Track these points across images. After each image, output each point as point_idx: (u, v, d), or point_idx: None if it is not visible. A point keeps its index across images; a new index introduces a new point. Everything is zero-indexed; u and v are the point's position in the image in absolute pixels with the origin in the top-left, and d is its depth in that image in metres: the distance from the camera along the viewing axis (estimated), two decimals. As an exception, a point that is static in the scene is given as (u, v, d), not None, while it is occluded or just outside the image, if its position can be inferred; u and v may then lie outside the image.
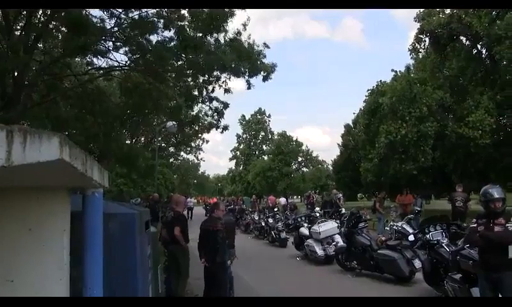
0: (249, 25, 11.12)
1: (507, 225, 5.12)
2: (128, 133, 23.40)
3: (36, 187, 2.80)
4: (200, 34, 11.95)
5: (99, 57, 13.13)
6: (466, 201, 15.09)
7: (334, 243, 12.09)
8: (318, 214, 17.66)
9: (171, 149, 32.86)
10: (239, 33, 12.98)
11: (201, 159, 44.31)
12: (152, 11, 11.30)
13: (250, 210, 25.14)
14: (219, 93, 15.62)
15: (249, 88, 14.31)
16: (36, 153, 1.85)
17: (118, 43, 12.33)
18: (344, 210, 16.72)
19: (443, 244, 7.75)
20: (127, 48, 12.48)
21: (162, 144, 28.93)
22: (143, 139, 27.30)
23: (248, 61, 13.30)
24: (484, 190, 5.48)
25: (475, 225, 5.46)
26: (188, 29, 12.04)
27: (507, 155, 17.57)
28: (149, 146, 26.19)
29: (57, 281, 2.91)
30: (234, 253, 7.75)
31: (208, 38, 12.28)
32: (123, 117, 16.98)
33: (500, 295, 5.32)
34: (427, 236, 8.16)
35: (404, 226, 10.42)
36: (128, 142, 22.64)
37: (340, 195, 23.91)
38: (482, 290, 5.55)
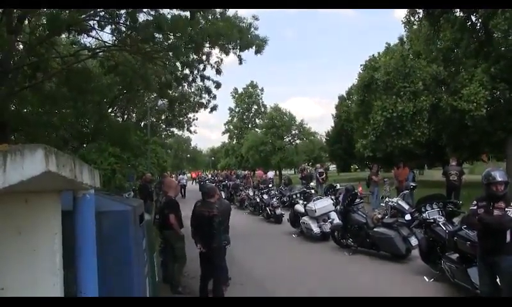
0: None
1: (507, 210, 5.04)
2: (119, 111, 23.12)
3: (24, 190, 2.66)
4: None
5: (85, 35, 12.78)
6: (461, 174, 15.15)
7: (330, 220, 12.07)
8: (313, 190, 17.69)
9: (163, 125, 32.59)
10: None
11: (194, 131, 43.83)
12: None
13: (244, 185, 25.13)
14: (211, 72, 15.37)
15: (240, 63, 14.04)
16: (19, 171, 1.72)
17: (103, 22, 11.93)
18: (338, 186, 16.71)
19: (440, 223, 7.72)
20: (113, 27, 12.12)
21: (155, 121, 28.69)
22: (134, 115, 27.02)
23: (239, 35, 13.01)
24: (486, 173, 5.35)
25: (474, 207, 5.38)
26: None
27: (499, 128, 17.59)
28: (141, 123, 25.95)
29: (51, 286, 2.80)
30: (228, 239, 7.68)
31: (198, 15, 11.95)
32: (113, 95, 16.68)
33: (497, 278, 5.31)
34: (424, 215, 8.13)
35: (400, 202, 10.41)
36: (119, 120, 22.42)
37: (322, 170, 24.57)
38: (480, 271, 5.54)
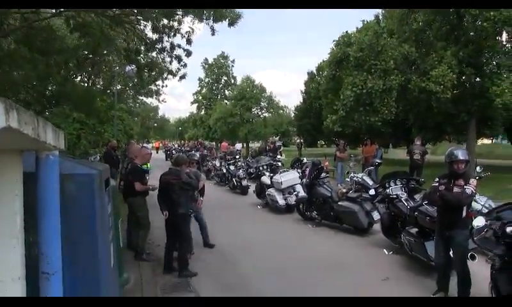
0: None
1: (465, 187, 5.28)
2: (85, 77, 22.31)
3: (-18, 148, 2.54)
4: None
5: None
6: (424, 154, 15.66)
7: (295, 193, 12.25)
8: (280, 163, 17.86)
9: (131, 92, 31.76)
10: None
11: (162, 100, 42.89)
12: None
13: (209, 156, 25.20)
14: (181, 41, 14.84)
15: (213, 34, 13.67)
16: (-25, 124, 1.63)
17: None
18: (305, 159, 16.91)
19: (402, 199, 7.97)
20: None
21: (122, 87, 27.91)
22: (100, 81, 26.22)
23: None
24: (449, 151, 5.59)
25: (436, 184, 5.59)
26: None
27: (463, 111, 18.16)
28: (107, 90, 25.19)
29: (11, 248, 2.72)
30: (194, 208, 7.66)
31: None
32: (78, 58, 16.03)
33: (451, 251, 5.56)
34: (388, 190, 8.37)
35: (365, 177, 10.66)
36: (85, 85, 21.69)
37: (280, 143, 25.65)
38: (436, 244, 5.81)
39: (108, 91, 25.12)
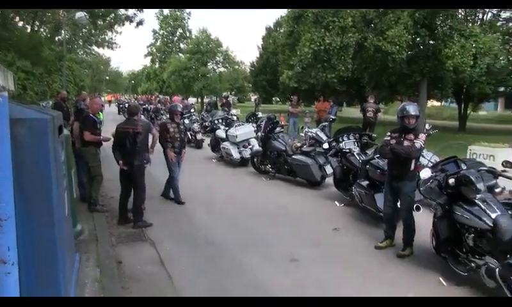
0: None
1: (415, 141, 5.54)
2: (28, 21, 20.90)
3: None
4: None
5: None
6: (377, 112, 16.17)
7: (250, 146, 12.39)
8: (235, 117, 17.86)
9: (80, 42, 30.18)
10: None
11: (116, 47, 41.16)
12: None
13: (164, 110, 24.75)
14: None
15: None
16: None
17: None
18: (260, 114, 17.02)
19: (355, 153, 8.25)
20: None
21: (70, 36, 26.45)
22: (47, 29, 24.67)
23: None
24: (401, 106, 5.80)
25: (388, 138, 5.81)
26: None
27: (416, 72, 18.77)
28: (54, 38, 23.79)
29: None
30: (149, 158, 7.57)
31: None
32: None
33: (398, 201, 5.87)
34: (341, 144, 8.62)
35: (318, 133, 10.88)
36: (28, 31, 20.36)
37: (231, 98, 26.11)
38: (385, 195, 6.09)
39: (56, 39, 23.76)
